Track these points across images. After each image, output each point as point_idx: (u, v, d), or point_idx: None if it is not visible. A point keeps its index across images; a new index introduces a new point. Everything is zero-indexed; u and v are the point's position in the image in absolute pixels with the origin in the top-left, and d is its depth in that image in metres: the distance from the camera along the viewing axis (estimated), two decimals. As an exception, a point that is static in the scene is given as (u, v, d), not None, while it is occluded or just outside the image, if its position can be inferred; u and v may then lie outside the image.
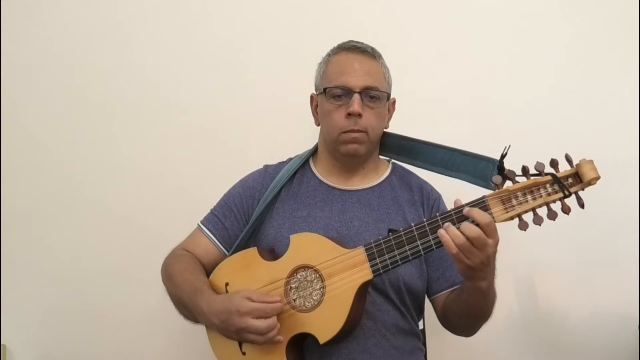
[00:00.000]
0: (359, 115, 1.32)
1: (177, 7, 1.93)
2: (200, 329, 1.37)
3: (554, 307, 1.89)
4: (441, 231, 1.13)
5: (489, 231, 1.12)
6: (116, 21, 1.92)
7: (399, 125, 1.46)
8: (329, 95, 1.36)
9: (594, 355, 1.87)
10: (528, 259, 1.81)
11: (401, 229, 1.21)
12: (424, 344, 1.49)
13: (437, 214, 1.18)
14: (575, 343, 1.88)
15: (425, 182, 1.48)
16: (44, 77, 1.91)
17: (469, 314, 1.30)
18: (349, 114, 1.32)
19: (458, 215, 1.15)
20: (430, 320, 1.47)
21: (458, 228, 1.13)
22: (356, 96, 1.32)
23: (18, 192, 1.89)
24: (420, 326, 1.48)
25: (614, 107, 1.89)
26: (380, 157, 1.49)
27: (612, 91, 1.90)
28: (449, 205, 1.44)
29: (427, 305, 1.46)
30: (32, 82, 1.91)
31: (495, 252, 1.15)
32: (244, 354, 1.30)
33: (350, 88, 1.33)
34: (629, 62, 1.89)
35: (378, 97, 1.35)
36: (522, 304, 1.90)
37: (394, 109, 1.47)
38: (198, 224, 1.47)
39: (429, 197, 1.44)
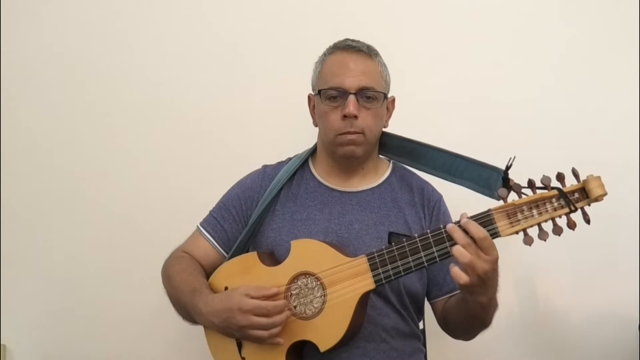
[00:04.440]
0: (355, 116, 1.30)
1: (177, 8, 1.92)
2: (200, 328, 1.36)
3: (554, 308, 1.89)
4: (454, 248, 1.12)
5: (484, 246, 1.10)
6: (116, 21, 1.92)
7: (399, 125, 1.46)
8: (325, 96, 1.34)
9: (594, 356, 1.87)
10: (528, 259, 1.80)
11: (404, 238, 1.20)
12: (424, 345, 1.49)
13: (442, 226, 1.16)
14: (575, 344, 1.88)
15: (427, 183, 1.46)
16: (44, 77, 1.91)
17: (468, 322, 1.30)
18: (345, 116, 1.31)
19: (463, 228, 1.13)
20: (430, 320, 1.47)
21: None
22: (351, 97, 1.30)
23: (18, 192, 1.89)
24: (421, 326, 1.47)
25: (614, 107, 1.89)
26: (381, 156, 1.48)
27: (612, 91, 1.89)
28: (450, 207, 1.45)
29: (428, 305, 1.46)
30: (32, 82, 1.90)
31: (493, 269, 1.13)
32: (243, 358, 1.30)
33: (345, 89, 1.31)
34: (630, 63, 1.88)
35: (374, 97, 1.33)
36: (523, 305, 1.90)
37: (393, 107, 1.45)
38: (197, 226, 1.46)
39: (430, 199, 1.43)
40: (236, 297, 1.22)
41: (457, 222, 1.14)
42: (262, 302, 1.20)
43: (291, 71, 1.78)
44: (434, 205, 1.42)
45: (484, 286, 1.14)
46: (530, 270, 1.88)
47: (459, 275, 1.11)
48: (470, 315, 1.25)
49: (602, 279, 1.87)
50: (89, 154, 1.90)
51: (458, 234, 1.12)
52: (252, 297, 1.21)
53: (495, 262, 1.12)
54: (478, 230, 1.10)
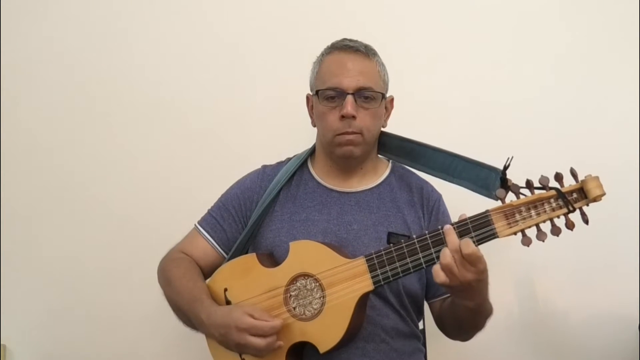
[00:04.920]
0: (353, 117, 1.30)
1: (177, 8, 1.92)
2: (200, 329, 1.37)
3: (554, 308, 1.89)
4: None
5: (470, 260, 1.10)
6: (116, 21, 1.92)
7: (398, 126, 1.46)
8: (322, 97, 1.34)
9: (594, 356, 1.87)
10: (528, 259, 1.80)
11: (402, 239, 1.20)
12: (424, 345, 1.49)
13: (439, 227, 1.16)
14: (575, 344, 1.88)
15: (426, 182, 1.46)
16: (44, 77, 1.91)
17: (459, 325, 1.31)
18: (343, 116, 1.30)
19: (461, 229, 1.14)
20: (430, 320, 1.47)
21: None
22: (349, 98, 1.30)
23: (18, 192, 1.89)
24: (420, 326, 1.47)
25: (614, 108, 1.88)
26: (380, 156, 1.48)
27: (612, 92, 1.88)
28: (449, 207, 1.45)
29: (428, 305, 1.46)
30: (32, 82, 1.90)
31: (478, 279, 1.12)
32: (243, 360, 1.30)
33: (343, 89, 1.31)
34: (630, 63, 1.88)
35: (372, 97, 1.33)
36: (522, 305, 1.89)
37: (392, 107, 1.45)
38: (195, 225, 1.46)
39: (429, 199, 1.42)
40: (236, 314, 1.21)
41: (456, 224, 1.14)
42: (259, 322, 1.19)
43: (291, 71, 1.78)
44: (433, 204, 1.42)
45: (466, 292, 1.14)
46: (530, 270, 1.88)
47: (437, 273, 1.11)
48: (460, 318, 1.26)
49: (602, 279, 1.86)
50: (89, 154, 1.90)
51: (451, 237, 1.12)
52: (253, 318, 1.20)
53: (480, 273, 1.12)
54: (465, 247, 1.10)
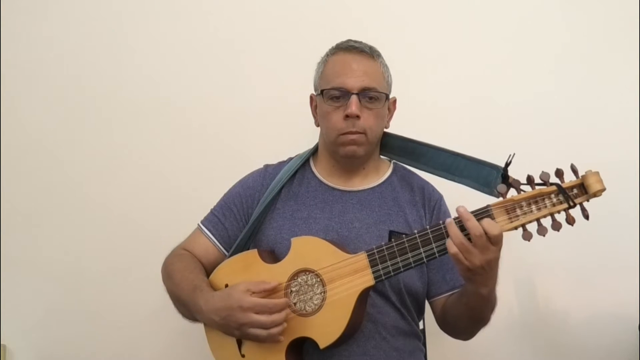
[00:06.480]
0: (357, 116, 1.31)
1: (176, 7, 1.93)
2: (200, 328, 1.37)
3: (554, 308, 1.89)
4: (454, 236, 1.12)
5: (496, 241, 1.11)
6: (116, 21, 1.92)
7: (400, 126, 1.46)
8: (327, 96, 1.35)
9: (594, 356, 1.87)
10: (528, 259, 1.81)
11: (404, 235, 1.20)
12: (424, 344, 1.49)
13: (441, 222, 1.17)
14: (575, 343, 1.88)
15: (427, 183, 1.47)
16: (44, 77, 1.91)
17: (468, 318, 1.30)
18: (347, 116, 1.31)
19: (461, 225, 1.14)
20: (430, 320, 1.47)
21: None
22: (354, 97, 1.31)
23: (18, 192, 1.89)
24: (421, 326, 1.47)
25: (614, 107, 1.89)
26: (382, 157, 1.49)
27: (612, 91, 1.89)
28: (450, 205, 1.46)
29: (428, 305, 1.46)
30: (32, 82, 1.90)
31: (497, 258, 1.14)
32: (243, 356, 1.30)
33: (348, 89, 1.32)
34: (630, 62, 1.88)
35: (376, 97, 1.34)
36: (523, 305, 1.90)
37: (394, 108, 1.45)
38: (198, 224, 1.47)
39: (430, 199, 1.43)
40: (237, 294, 1.22)
41: (456, 218, 1.14)
42: (263, 299, 1.20)
43: (292, 71, 1.79)
44: (434, 204, 1.43)
45: (485, 275, 1.15)
46: (530, 270, 1.89)
47: (450, 245, 1.12)
48: (471, 308, 1.25)
49: (602, 279, 1.87)
50: (89, 153, 1.90)
51: (472, 222, 1.11)
52: (253, 293, 1.21)
53: (500, 249, 1.13)
54: (492, 229, 1.11)
